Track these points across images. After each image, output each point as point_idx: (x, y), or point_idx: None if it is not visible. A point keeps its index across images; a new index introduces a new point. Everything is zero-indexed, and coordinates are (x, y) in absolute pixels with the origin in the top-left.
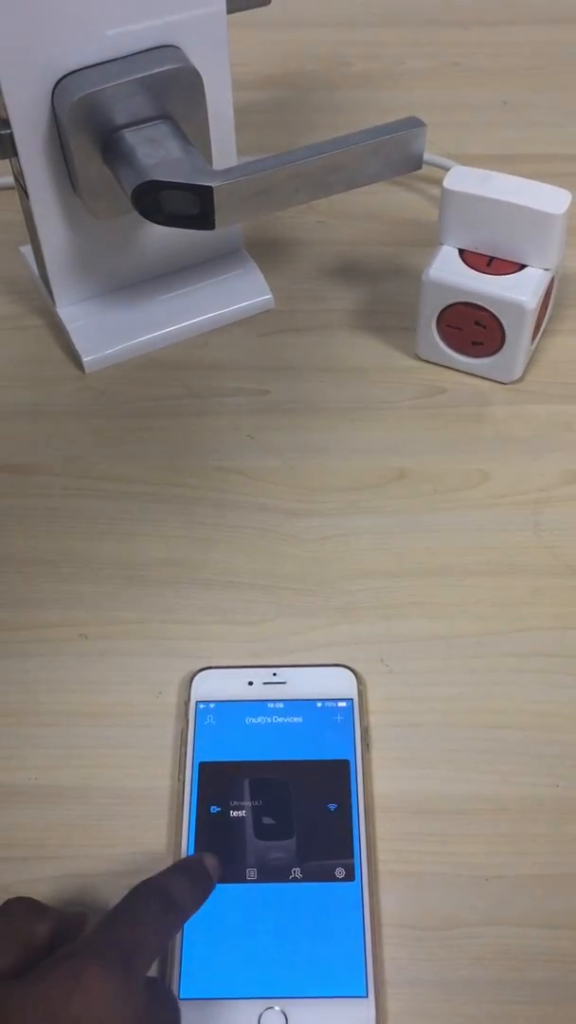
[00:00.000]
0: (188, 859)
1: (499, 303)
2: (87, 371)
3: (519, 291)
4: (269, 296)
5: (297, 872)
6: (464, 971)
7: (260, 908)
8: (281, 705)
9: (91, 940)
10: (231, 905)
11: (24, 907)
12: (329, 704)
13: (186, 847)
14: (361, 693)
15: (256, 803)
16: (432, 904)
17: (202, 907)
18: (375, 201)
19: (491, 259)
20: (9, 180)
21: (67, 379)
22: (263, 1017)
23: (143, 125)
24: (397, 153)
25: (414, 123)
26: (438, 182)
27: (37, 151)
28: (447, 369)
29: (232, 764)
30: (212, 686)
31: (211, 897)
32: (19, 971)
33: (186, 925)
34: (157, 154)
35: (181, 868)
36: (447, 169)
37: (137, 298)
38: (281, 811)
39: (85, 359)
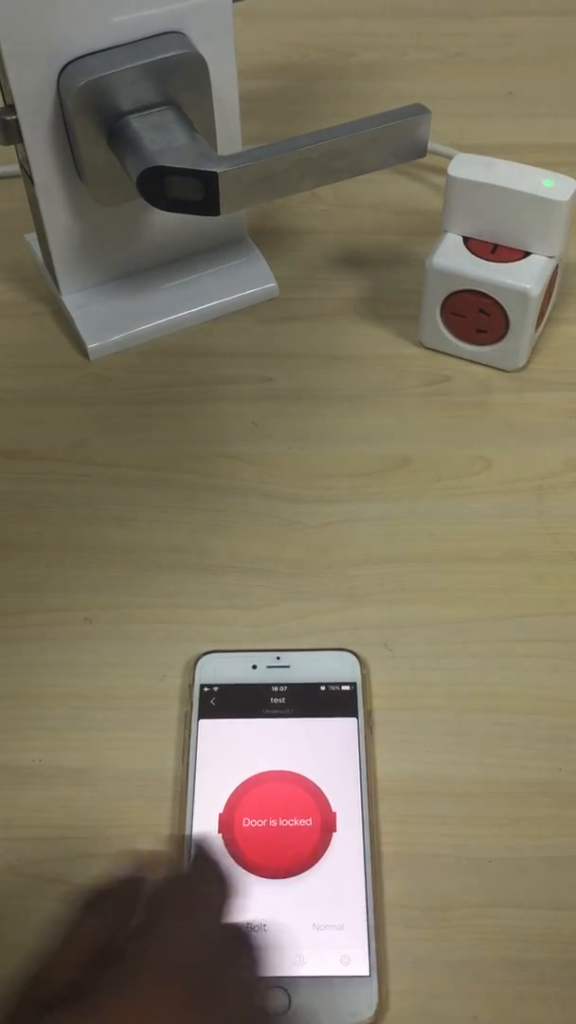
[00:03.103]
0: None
1: (503, 290)
2: (92, 358)
3: (523, 278)
4: (273, 284)
5: None
6: (466, 951)
7: (264, 888)
8: (284, 688)
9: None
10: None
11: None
12: (333, 688)
13: (190, 829)
14: (364, 677)
15: None
16: (434, 885)
17: None
18: (379, 190)
19: (495, 246)
20: (14, 168)
21: (72, 366)
22: (266, 996)
23: (148, 111)
24: (402, 140)
25: (418, 110)
26: (442, 171)
27: (43, 137)
28: (451, 357)
29: None
30: (216, 670)
31: None
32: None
33: None
34: (162, 140)
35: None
36: (451, 158)
37: (142, 285)
38: None
39: (90, 346)
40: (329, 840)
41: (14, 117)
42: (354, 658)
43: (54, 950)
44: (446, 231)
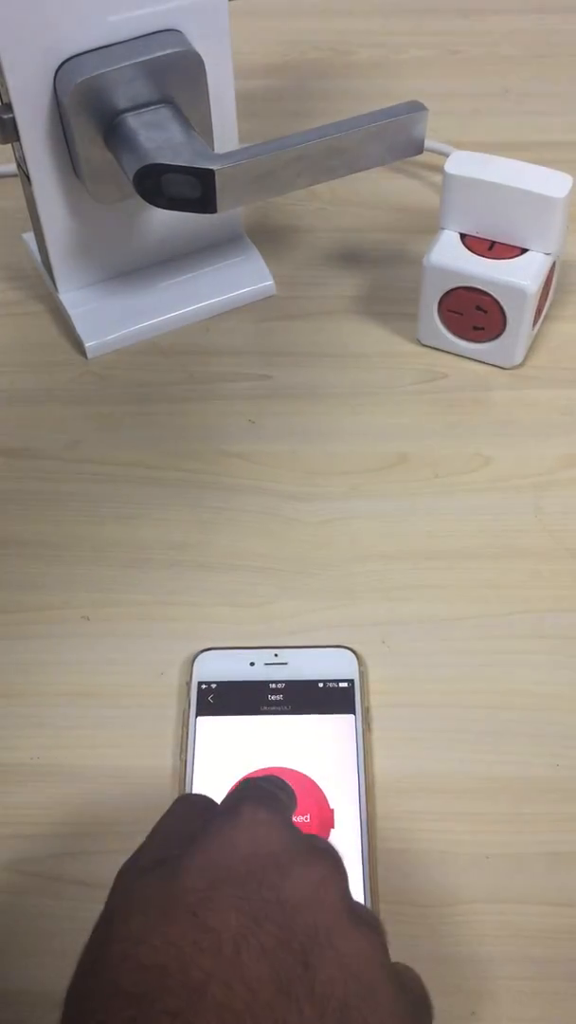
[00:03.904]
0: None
1: (500, 287)
2: (89, 357)
3: (520, 275)
4: (270, 282)
5: None
6: (464, 948)
7: None
8: (282, 685)
9: (224, 804)
10: None
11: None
12: (330, 684)
13: None
14: (362, 674)
15: None
16: (432, 882)
17: None
18: (376, 188)
19: (492, 243)
20: (11, 167)
21: (69, 365)
22: None
23: (145, 109)
24: (399, 137)
25: (415, 107)
26: (439, 169)
27: (39, 135)
28: (448, 354)
29: None
30: (214, 667)
31: None
32: None
33: None
34: (159, 138)
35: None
36: (448, 155)
37: (139, 284)
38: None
39: (87, 345)
40: (327, 837)
41: (11, 115)
42: (352, 655)
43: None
44: (443, 228)
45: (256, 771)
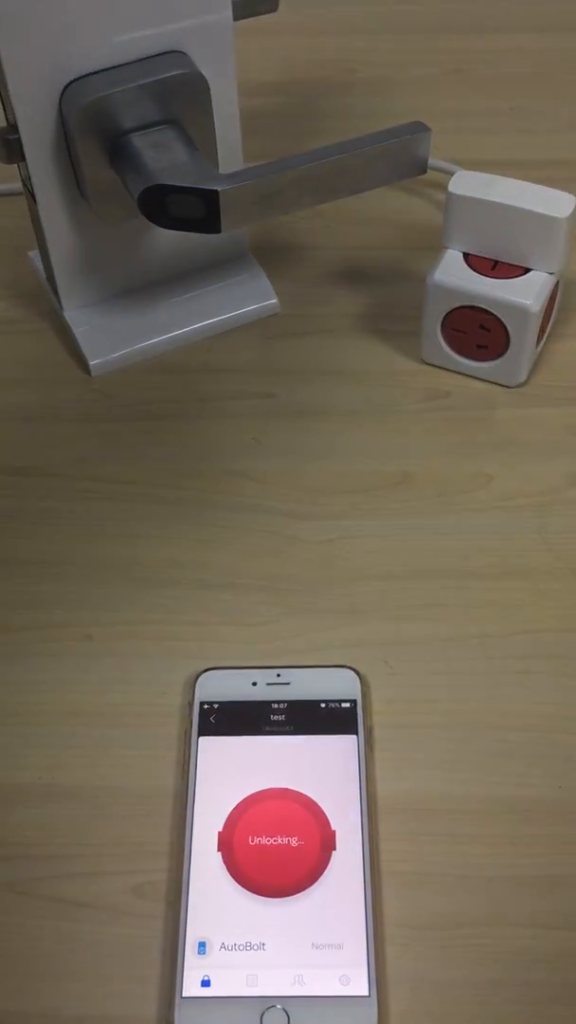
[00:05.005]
0: None
1: (504, 306)
2: (93, 374)
3: (524, 294)
4: (275, 300)
5: None
6: (466, 971)
7: (263, 907)
8: (285, 706)
9: None
10: (234, 904)
11: None
12: (333, 705)
13: (189, 847)
14: (365, 694)
15: None
16: (434, 904)
17: (206, 905)
18: (380, 206)
19: (496, 263)
20: (17, 186)
21: (73, 382)
22: (265, 1016)
23: (150, 130)
24: (402, 157)
25: (419, 128)
26: (443, 187)
27: (45, 156)
28: (452, 373)
29: None
30: (216, 687)
31: (214, 894)
32: None
33: (189, 921)
34: (164, 158)
35: None
36: (452, 174)
37: (144, 302)
38: None
39: (92, 362)
40: (328, 858)
41: (16, 136)
42: (354, 675)
43: None
44: (447, 247)
45: (257, 792)
